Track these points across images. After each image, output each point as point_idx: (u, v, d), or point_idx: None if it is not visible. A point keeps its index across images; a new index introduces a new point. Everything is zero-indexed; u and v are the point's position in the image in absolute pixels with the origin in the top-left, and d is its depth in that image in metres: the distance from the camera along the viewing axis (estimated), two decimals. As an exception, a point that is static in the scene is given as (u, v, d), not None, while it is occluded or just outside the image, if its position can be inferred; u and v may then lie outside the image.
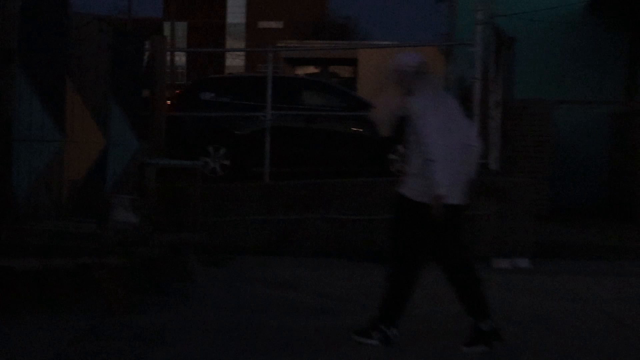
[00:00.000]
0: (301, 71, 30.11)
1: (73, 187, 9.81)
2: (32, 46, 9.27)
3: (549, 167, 17.17)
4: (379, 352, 7.19)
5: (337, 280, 10.80)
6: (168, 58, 36.07)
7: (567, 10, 19.16)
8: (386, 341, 7.26)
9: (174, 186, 12.33)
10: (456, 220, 7.37)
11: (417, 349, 7.35)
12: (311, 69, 30.67)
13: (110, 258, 8.27)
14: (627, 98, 19.54)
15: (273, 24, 49.83)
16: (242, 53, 44.84)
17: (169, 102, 15.79)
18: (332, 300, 9.45)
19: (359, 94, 18.72)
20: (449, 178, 6.95)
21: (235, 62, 45.00)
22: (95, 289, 8.34)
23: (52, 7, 9.56)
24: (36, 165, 9.49)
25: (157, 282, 9.55)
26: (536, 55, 19.05)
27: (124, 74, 11.24)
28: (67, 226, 8.92)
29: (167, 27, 47.13)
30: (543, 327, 8.46)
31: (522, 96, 17.28)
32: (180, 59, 41.20)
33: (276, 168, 14.14)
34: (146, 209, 11.37)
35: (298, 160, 15.13)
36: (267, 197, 13.18)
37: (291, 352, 7.20)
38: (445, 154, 6.93)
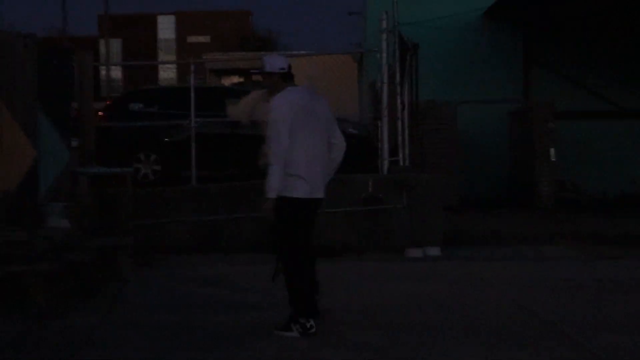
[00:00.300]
0: (227, 81, 29.62)
1: (4, 197, 9.22)
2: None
3: (456, 163, 17.03)
4: (297, 342, 6.79)
5: (260, 274, 10.31)
6: (103, 73, 35.47)
7: (466, 18, 19.08)
8: (304, 332, 6.89)
9: (105, 192, 11.88)
10: (312, 213, 7.18)
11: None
12: (236, 79, 30.20)
13: (39, 264, 7.74)
14: (524, 96, 19.55)
15: (201, 39, 49.26)
16: (174, 66, 44.10)
17: (100, 113, 15.31)
18: (255, 295, 9.02)
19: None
20: (281, 180, 6.77)
21: (168, 74, 44.23)
22: (26, 295, 7.79)
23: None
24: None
25: (88, 285, 8.99)
26: (440, 59, 18.88)
27: (51, 87, 10.74)
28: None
29: (102, 44, 46.21)
30: (444, 311, 8.17)
31: (428, 98, 16.99)
32: (117, 73, 40.29)
33: (205, 172, 13.74)
34: (78, 216, 10.88)
35: (225, 163, 14.69)
36: (195, 199, 12.73)
37: (214, 347, 6.73)
38: (280, 160, 6.73)
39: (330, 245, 12.00)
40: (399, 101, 13.09)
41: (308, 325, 6.92)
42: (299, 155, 6.82)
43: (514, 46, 19.79)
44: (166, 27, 52.96)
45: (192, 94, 13.56)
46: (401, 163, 13.05)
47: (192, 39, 50.96)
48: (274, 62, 7.15)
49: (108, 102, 16.39)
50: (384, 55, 12.96)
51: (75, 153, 11.52)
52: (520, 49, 19.88)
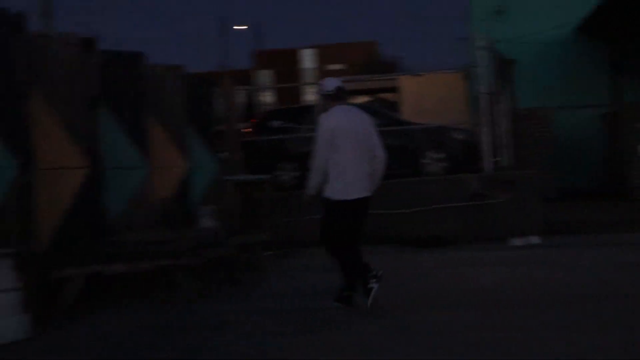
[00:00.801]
0: (358, 100, 29.38)
1: (161, 203, 9.26)
2: (114, 93, 8.80)
3: (553, 161, 16.28)
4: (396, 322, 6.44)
5: (377, 264, 10.06)
6: (257, 97, 35.89)
7: (558, 33, 18.21)
8: (349, 302, 7.12)
9: (249, 196, 11.81)
10: (359, 210, 7.18)
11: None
12: (365, 98, 29.90)
13: (185, 259, 7.66)
14: (612, 101, 18.57)
15: (337, 66, 49.37)
16: (315, 90, 44.26)
17: (247, 129, 15.35)
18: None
19: (399, 115, 17.98)
20: (319, 181, 7.08)
21: (310, 97, 44.42)
22: (174, 286, 7.74)
23: (128, 61, 9.07)
24: (128, 187, 9.02)
25: (230, 276, 8.91)
26: (536, 71, 18.10)
27: (198, 110, 10.74)
28: (150, 235, 8.36)
29: (258, 75, 46.94)
30: (538, 290, 7.71)
31: (528, 106, 16.33)
32: (269, 98, 40.69)
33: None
34: (225, 217, 10.86)
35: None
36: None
37: (323, 329, 6.49)
38: (322, 164, 7.02)
39: (441, 236, 11.69)
40: (496, 109, 12.56)
41: (351, 297, 7.13)
42: (339, 164, 6.97)
43: (603, 56, 18.77)
44: (308, 59, 53.37)
45: (316, 111, 13.41)
46: (502, 163, 12.51)
47: (329, 67, 51.05)
48: (325, 85, 7.33)
49: (252, 120, 16.35)
50: (481, 68, 12.47)
51: (222, 164, 11.58)
52: (607, 60, 18.85)
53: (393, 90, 27.66)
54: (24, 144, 7.09)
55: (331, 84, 7.29)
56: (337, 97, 7.19)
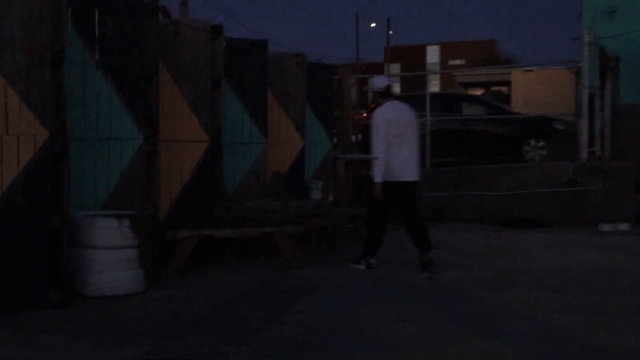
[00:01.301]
0: (473, 92, 28.13)
1: (275, 176, 8.86)
2: (238, 75, 8.46)
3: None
4: (475, 296, 5.74)
5: (472, 241, 9.31)
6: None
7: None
8: (369, 266, 7.12)
9: (359, 174, 11.26)
10: (410, 191, 7.15)
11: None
12: (479, 90, 28.58)
13: (287, 226, 7.23)
14: None
15: (458, 62, 47.69)
16: (438, 81, 42.84)
17: (364, 114, 14.78)
18: (462, 257, 8.00)
19: (506, 106, 16.92)
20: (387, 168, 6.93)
21: (434, 88, 43.16)
22: (276, 251, 7.33)
23: (252, 48, 8.70)
24: (247, 160, 8.71)
25: (331, 244, 8.43)
26: (638, 69, 16.43)
27: (317, 93, 10.29)
28: (259, 204, 7.97)
29: (388, 68, 46.04)
30: (617, 276, 6.83)
31: (629, 101, 14.84)
32: (397, 89, 39.73)
33: (442, 159, 12.91)
34: (335, 191, 10.40)
35: (457, 153, 13.65)
36: (428, 180, 11.86)
37: (411, 299, 5.92)
38: (383, 155, 6.90)
39: (535, 219, 10.78)
40: (597, 103, 11.40)
41: (371, 262, 7.17)
42: (393, 152, 6.93)
43: None
44: (433, 54, 51.96)
45: (427, 99, 12.69)
46: (598, 153, 11.37)
47: (452, 62, 49.44)
48: (376, 83, 7.37)
49: (372, 106, 15.78)
50: (585, 64, 11.33)
51: (336, 144, 11.13)
52: None
53: (507, 84, 26.41)
54: (150, 119, 6.83)
55: (382, 82, 7.30)
56: (387, 94, 7.22)
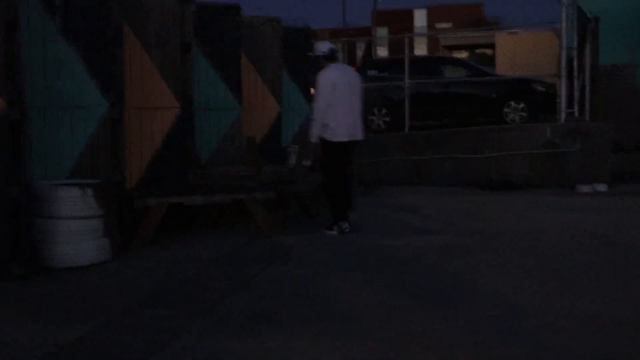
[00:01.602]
0: (457, 54, 27.74)
1: (250, 142, 8.64)
2: (209, 40, 8.18)
3: (631, 113, 14.57)
4: (423, 259, 5.60)
5: (447, 204, 9.16)
6: (373, 51, 34.58)
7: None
8: (341, 232, 7.01)
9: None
10: (346, 151, 7.16)
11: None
12: (464, 53, 28.21)
13: (259, 193, 7.04)
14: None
15: (444, 25, 47.00)
16: (424, 44, 42.32)
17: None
18: (436, 222, 7.85)
19: (488, 68, 16.64)
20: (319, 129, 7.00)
21: (421, 51, 42.52)
22: (249, 218, 7.16)
23: (224, 12, 8.41)
24: (221, 126, 8.49)
25: (306, 211, 8.27)
26: (620, 28, 16.15)
27: (295, 58, 10.00)
28: (233, 170, 7.78)
29: (375, 31, 45.42)
30: (594, 237, 6.64)
31: (610, 62, 14.60)
32: (384, 52, 39.13)
33: (419, 122, 12.71)
34: (312, 155, 10.17)
35: (436, 115, 13.48)
36: (406, 143, 11.69)
37: (379, 268, 5.74)
38: (320, 116, 6.93)
39: (513, 181, 10.64)
40: (575, 63, 11.16)
41: (344, 227, 7.03)
42: (334, 112, 6.91)
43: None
44: (420, 18, 51.29)
45: (407, 61, 12.54)
46: (576, 114, 11.17)
47: (439, 25, 48.77)
48: (319, 48, 7.27)
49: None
50: (563, 25, 11.08)
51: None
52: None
53: (492, 46, 26.05)
54: (115, 85, 6.59)
55: (324, 46, 7.24)
56: (331, 57, 7.15)
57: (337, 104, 6.94)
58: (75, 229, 5.74)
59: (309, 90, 10.73)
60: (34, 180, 5.93)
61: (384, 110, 13.51)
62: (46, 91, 6.31)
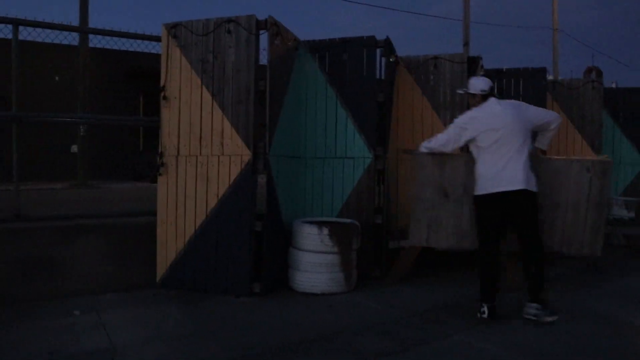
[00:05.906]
0: None
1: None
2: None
3: None
4: None
5: None
6: None
7: None
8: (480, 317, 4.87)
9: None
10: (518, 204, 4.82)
11: None
12: None
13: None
14: None
15: None
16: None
17: None
18: None
19: None
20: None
21: None
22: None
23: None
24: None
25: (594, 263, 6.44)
26: None
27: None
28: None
29: None
30: None
31: None
32: None
33: None
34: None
35: None
36: None
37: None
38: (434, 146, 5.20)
39: None
40: None
41: (482, 310, 4.84)
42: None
43: None
44: None
45: None
46: None
47: None
48: (477, 84, 5.03)
49: None
50: None
51: None
52: None
53: None
54: (380, 139, 6.34)
55: (484, 83, 5.05)
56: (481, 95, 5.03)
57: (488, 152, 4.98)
58: (312, 261, 5.66)
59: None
60: (314, 216, 6.15)
61: None
62: (325, 145, 6.45)
